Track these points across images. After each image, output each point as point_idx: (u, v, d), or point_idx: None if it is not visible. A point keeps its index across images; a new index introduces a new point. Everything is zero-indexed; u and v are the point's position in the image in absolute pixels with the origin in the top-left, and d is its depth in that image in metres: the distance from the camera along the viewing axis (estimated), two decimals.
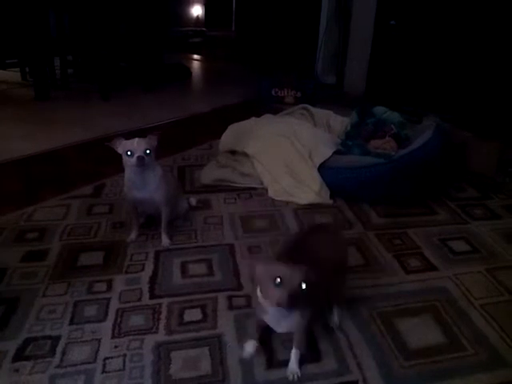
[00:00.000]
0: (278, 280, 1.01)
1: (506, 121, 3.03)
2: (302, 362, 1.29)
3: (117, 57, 4.18)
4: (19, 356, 1.29)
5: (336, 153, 2.34)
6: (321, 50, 4.35)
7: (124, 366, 1.28)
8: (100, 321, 1.43)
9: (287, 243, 1.33)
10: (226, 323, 1.43)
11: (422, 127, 2.42)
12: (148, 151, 1.63)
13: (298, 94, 3.85)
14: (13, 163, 2.53)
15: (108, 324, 1.42)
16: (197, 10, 7.63)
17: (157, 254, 1.78)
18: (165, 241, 1.84)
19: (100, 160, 2.55)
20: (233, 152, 2.60)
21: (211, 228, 1.98)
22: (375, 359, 1.33)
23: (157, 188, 1.73)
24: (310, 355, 1.33)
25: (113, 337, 1.37)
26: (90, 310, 1.47)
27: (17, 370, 1.25)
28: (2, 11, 3.68)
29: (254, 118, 2.78)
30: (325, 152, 2.33)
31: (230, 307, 1.51)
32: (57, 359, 1.29)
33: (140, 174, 1.68)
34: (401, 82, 3.70)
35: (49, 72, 3.76)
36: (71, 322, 1.42)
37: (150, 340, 1.36)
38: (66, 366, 1.27)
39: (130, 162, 1.63)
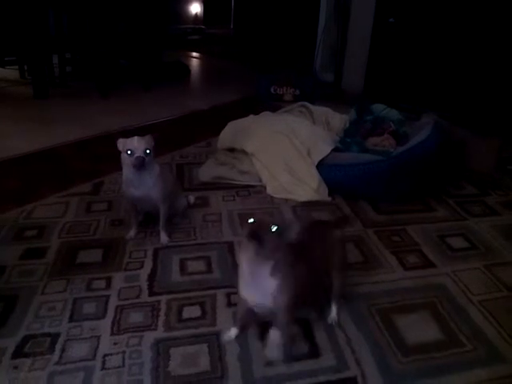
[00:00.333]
0: None
1: (505, 118, 3.03)
2: (299, 357, 1.30)
3: (116, 55, 4.17)
4: (18, 353, 1.29)
5: (335, 150, 2.35)
6: (319, 47, 4.35)
7: (123, 362, 1.28)
8: (99, 318, 1.43)
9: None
10: (224, 320, 1.44)
11: (420, 124, 2.42)
12: (148, 151, 1.63)
13: (297, 92, 3.86)
14: (12, 161, 2.53)
15: (107, 321, 1.42)
16: (195, 8, 7.63)
17: (156, 252, 1.78)
18: (163, 238, 1.84)
19: (98, 158, 2.55)
20: (231, 149, 2.60)
21: (210, 225, 1.98)
22: (373, 355, 1.33)
23: (154, 186, 1.73)
24: (308, 351, 1.33)
25: (112, 334, 1.37)
26: (89, 307, 1.48)
27: (16, 367, 1.25)
28: (1, 10, 3.67)
29: (252, 116, 2.78)
30: (323, 149, 2.33)
31: (229, 304, 1.51)
32: (56, 356, 1.29)
33: (137, 172, 1.68)
34: (399, 80, 3.71)
35: (47, 70, 3.76)
36: (70, 319, 1.42)
37: (149, 337, 1.37)
38: (65, 363, 1.27)
39: (128, 161, 1.63)
